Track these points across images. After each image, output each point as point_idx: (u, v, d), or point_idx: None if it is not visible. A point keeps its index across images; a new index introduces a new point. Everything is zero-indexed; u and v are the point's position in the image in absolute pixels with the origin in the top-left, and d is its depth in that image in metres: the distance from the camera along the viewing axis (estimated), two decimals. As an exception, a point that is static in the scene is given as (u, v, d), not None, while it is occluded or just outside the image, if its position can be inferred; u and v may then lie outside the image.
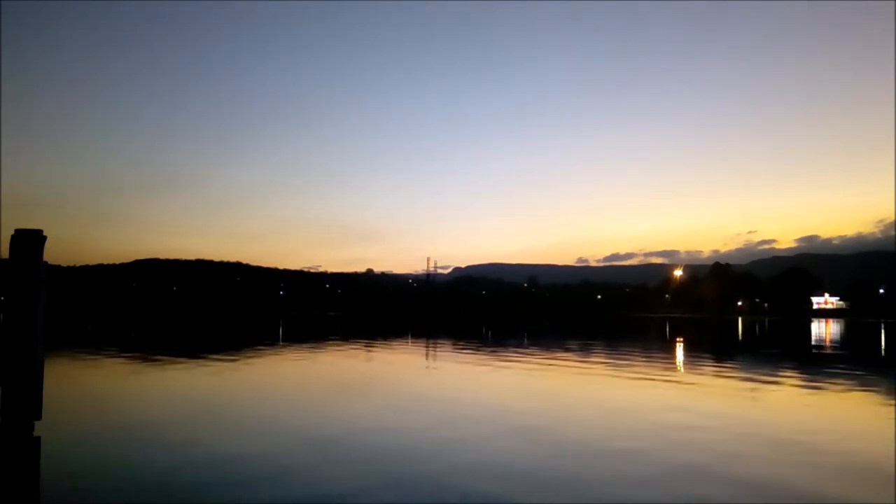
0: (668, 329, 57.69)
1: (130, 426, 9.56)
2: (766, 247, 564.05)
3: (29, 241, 6.33)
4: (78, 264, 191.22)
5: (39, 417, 6.22)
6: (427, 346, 31.01)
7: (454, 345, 32.94)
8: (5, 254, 6.33)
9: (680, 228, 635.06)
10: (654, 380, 16.78)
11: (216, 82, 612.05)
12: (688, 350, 30.24)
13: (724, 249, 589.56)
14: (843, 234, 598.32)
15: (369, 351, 27.38)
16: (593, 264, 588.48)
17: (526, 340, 37.10)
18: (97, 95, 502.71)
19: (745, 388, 15.13)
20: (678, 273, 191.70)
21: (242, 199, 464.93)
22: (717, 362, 23.37)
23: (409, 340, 36.56)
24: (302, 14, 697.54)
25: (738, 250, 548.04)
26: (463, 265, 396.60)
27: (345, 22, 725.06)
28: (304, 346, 29.73)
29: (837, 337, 46.21)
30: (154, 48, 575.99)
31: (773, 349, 32.04)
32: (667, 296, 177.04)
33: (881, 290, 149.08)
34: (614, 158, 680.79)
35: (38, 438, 6.20)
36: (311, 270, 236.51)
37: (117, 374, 16.83)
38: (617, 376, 17.77)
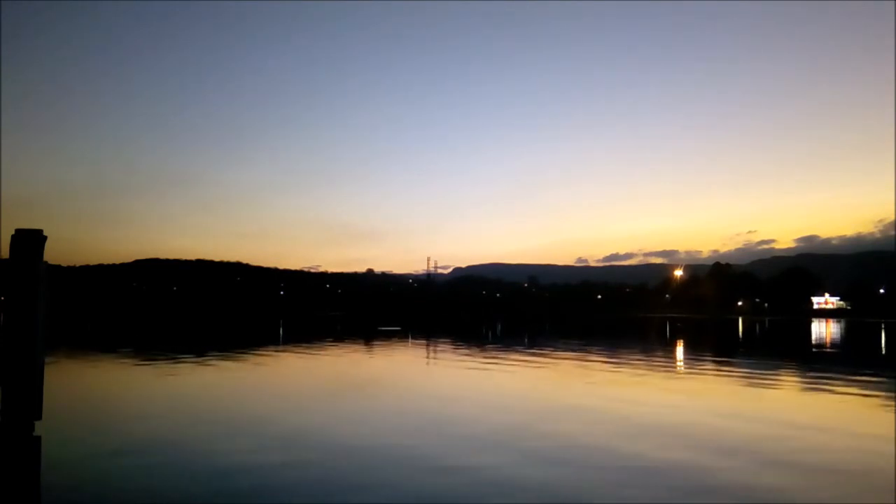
0: (667, 329, 57.70)
1: (130, 425, 9.56)
2: (766, 247, 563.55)
3: (29, 241, 6.33)
4: (78, 264, 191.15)
5: (39, 417, 6.22)
6: (428, 347, 30.99)
7: (454, 345, 32.93)
8: (5, 254, 6.34)
9: (679, 228, 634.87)
10: (650, 379, 16.81)
11: (217, 83, 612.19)
12: (688, 350, 30.25)
13: (723, 249, 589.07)
14: (842, 234, 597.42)
15: (377, 352, 27.40)
16: (593, 264, 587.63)
17: (526, 341, 37.12)
18: (98, 96, 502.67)
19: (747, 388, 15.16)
20: (678, 273, 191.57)
21: (243, 199, 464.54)
22: (722, 363, 23.38)
23: (410, 341, 36.55)
24: (303, 15, 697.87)
25: (738, 250, 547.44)
26: (463, 265, 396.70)
27: (346, 23, 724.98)
28: (307, 346, 29.72)
29: (840, 337, 46.19)
30: (155, 49, 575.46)
31: (780, 349, 32.05)
32: (667, 296, 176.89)
33: (881, 290, 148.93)
34: (614, 158, 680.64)
35: (39, 438, 6.20)
36: (311, 270, 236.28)
37: (117, 374, 16.83)
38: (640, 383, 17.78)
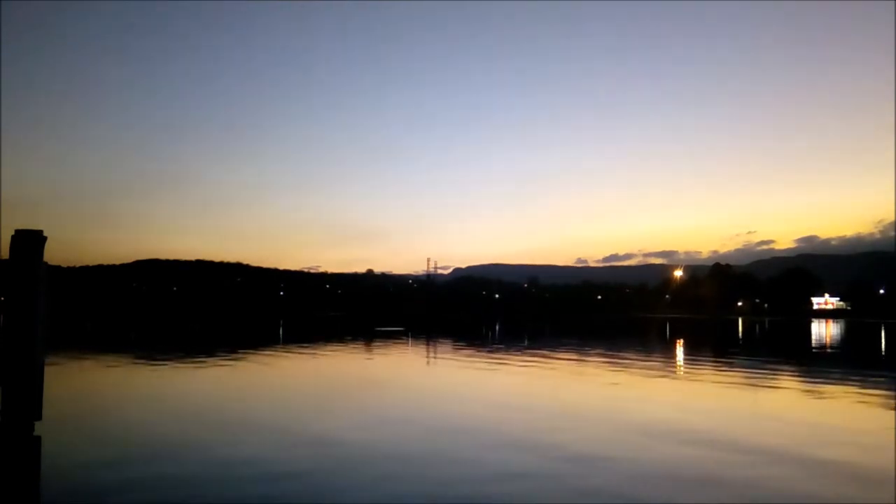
0: (668, 330, 57.72)
1: (130, 426, 9.57)
2: (766, 247, 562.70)
3: (29, 242, 6.34)
4: (78, 264, 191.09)
5: (39, 417, 6.23)
6: (428, 348, 30.99)
7: (455, 346, 32.94)
8: (5, 254, 6.35)
9: (679, 229, 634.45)
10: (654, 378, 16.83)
11: (217, 83, 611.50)
12: (688, 351, 30.25)
13: (723, 250, 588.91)
14: (842, 234, 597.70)
15: (396, 353, 27.42)
16: (592, 265, 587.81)
17: (526, 342, 37.13)
18: (98, 96, 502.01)
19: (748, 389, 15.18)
20: (678, 273, 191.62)
21: (242, 199, 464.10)
22: (722, 363, 23.39)
23: (414, 341, 36.55)
24: (303, 14, 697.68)
25: (738, 250, 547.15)
26: (463, 265, 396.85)
27: (345, 23, 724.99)
28: (307, 346, 29.72)
29: (840, 338, 46.19)
30: (155, 50, 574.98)
31: (781, 350, 32.03)
32: (667, 296, 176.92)
33: (881, 291, 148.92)
34: (613, 158, 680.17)
35: (39, 438, 6.22)
36: (311, 270, 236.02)
37: (117, 375, 16.82)
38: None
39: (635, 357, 24.47)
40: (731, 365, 22.13)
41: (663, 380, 17.35)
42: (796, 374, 19.55)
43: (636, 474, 7.03)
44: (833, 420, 11.15)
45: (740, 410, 12.02)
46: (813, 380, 17.65)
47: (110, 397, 12.81)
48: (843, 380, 17.46)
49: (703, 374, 18.92)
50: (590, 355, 25.34)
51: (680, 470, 7.27)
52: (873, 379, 17.97)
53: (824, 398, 13.84)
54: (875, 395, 14.14)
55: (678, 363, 23.04)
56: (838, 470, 7.38)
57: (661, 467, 7.33)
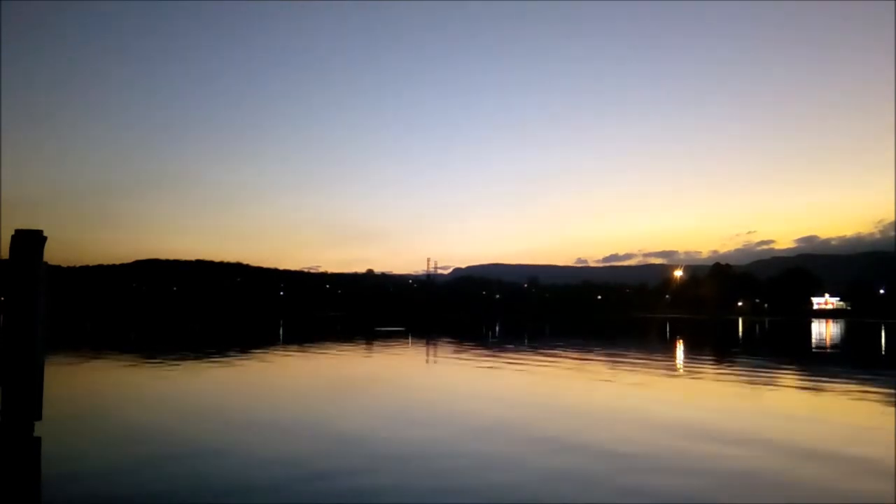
0: (670, 330, 57.70)
1: (130, 426, 9.55)
2: (766, 247, 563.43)
3: (29, 242, 6.34)
4: (78, 264, 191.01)
5: (39, 417, 6.23)
6: (435, 349, 30.96)
7: (462, 346, 32.92)
8: (5, 254, 6.35)
9: (679, 229, 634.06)
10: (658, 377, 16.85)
11: (217, 83, 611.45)
12: (688, 352, 30.20)
13: (723, 250, 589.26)
14: (842, 234, 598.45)
15: (410, 353, 27.41)
16: (592, 265, 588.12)
17: (531, 342, 37.10)
18: (98, 96, 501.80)
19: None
20: (678, 273, 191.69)
21: (243, 199, 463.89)
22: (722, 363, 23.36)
23: (416, 341, 36.53)
24: (303, 14, 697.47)
25: (738, 250, 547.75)
26: (463, 265, 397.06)
27: (345, 22, 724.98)
28: (309, 347, 29.70)
29: (842, 338, 46.16)
30: (155, 50, 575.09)
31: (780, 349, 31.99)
32: (667, 296, 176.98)
33: (881, 291, 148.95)
34: (613, 158, 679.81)
35: (39, 438, 6.22)
36: (311, 270, 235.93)
37: (117, 375, 16.80)
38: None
39: (644, 357, 24.41)
40: (744, 365, 21.97)
41: (679, 380, 17.43)
42: (806, 374, 19.49)
43: (677, 472, 7.11)
44: (859, 419, 11.18)
45: (765, 410, 12.12)
46: (826, 380, 17.58)
47: (111, 397, 12.78)
48: (853, 380, 17.42)
49: (717, 375, 18.84)
50: (599, 355, 25.32)
51: (719, 467, 7.35)
52: (888, 378, 17.96)
53: (844, 397, 13.86)
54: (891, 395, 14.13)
55: (689, 364, 22.99)
56: (873, 468, 7.44)
57: (699, 465, 7.43)
